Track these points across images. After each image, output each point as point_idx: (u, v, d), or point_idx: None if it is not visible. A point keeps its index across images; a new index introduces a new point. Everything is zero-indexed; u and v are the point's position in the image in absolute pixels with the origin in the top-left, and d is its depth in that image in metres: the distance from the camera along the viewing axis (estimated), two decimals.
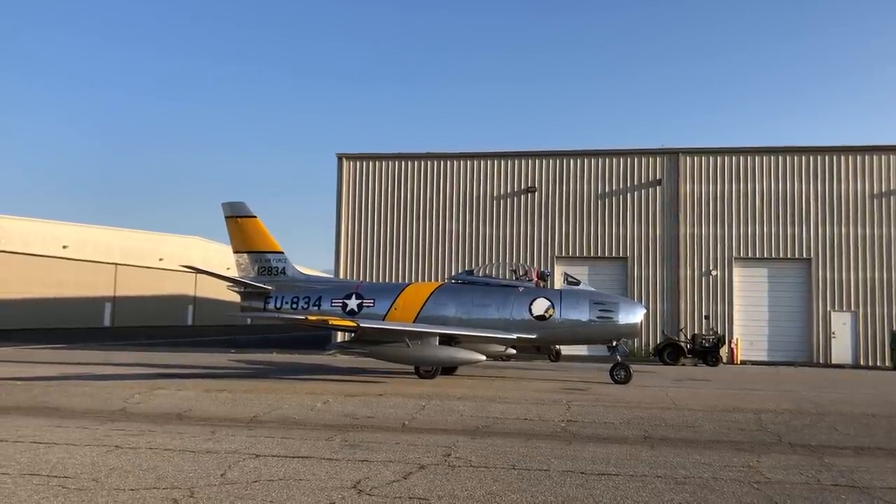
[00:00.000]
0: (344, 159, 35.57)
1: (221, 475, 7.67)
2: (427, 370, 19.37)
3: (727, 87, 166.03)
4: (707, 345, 28.97)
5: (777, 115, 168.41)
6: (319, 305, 21.35)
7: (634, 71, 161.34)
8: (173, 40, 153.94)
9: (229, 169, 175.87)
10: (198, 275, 65.91)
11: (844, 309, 31.95)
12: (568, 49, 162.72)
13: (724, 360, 30.06)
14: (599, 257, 33.64)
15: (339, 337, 29.53)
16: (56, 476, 7.52)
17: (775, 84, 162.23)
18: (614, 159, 34.06)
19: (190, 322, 71.56)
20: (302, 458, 8.69)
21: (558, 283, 20.22)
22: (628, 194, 33.67)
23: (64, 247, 56.10)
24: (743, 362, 30.99)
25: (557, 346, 27.09)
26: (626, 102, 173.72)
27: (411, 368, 20.03)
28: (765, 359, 31.90)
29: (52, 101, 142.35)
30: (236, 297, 24.07)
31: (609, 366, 19.88)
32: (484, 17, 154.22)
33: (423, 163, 35.24)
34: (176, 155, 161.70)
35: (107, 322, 61.07)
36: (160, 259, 65.69)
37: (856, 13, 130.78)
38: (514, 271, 21.36)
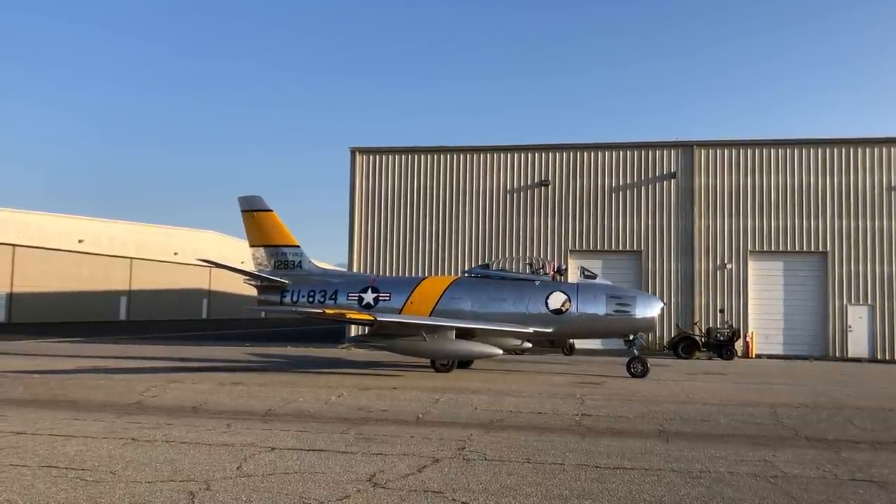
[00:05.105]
0: (357, 153, 35.61)
1: (237, 468, 7.70)
2: (443, 364, 19.42)
3: (735, 79, 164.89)
4: (722, 338, 28.86)
5: (789, 106, 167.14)
6: (336, 299, 21.38)
7: (646, 63, 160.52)
8: (180, 36, 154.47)
9: (241, 164, 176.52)
10: (212, 269, 66.43)
11: (861, 302, 31.70)
12: (579, 42, 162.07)
13: (739, 353, 29.95)
14: (613, 251, 33.52)
15: (354, 330, 29.59)
16: (74, 468, 7.58)
17: (788, 75, 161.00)
18: (628, 152, 33.91)
19: (204, 316, 71.99)
20: (317, 451, 8.72)
21: (574, 276, 20.09)
22: (643, 187, 33.52)
23: (80, 241, 56.55)
24: (758, 356, 30.84)
25: (571, 340, 27.07)
26: (638, 94, 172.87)
27: (427, 362, 20.09)
28: (780, 352, 31.71)
29: (64, 98, 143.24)
30: (250, 291, 24.15)
31: (623, 359, 19.82)
32: (493, 10, 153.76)
33: (436, 156, 35.21)
34: (186, 151, 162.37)
35: (122, 316, 61.56)
36: (175, 253, 66.08)
37: None
38: (531, 265, 21.29)
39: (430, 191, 34.96)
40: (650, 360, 20.09)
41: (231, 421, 10.93)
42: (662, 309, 20.46)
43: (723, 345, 28.65)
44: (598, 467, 8.04)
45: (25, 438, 9.23)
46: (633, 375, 18.91)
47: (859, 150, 32.40)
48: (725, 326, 29.86)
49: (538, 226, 33.99)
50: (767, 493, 7.04)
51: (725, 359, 28.07)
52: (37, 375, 16.74)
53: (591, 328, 19.67)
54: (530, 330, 19.17)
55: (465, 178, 34.82)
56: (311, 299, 21.75)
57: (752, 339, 31.31)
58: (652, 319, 19.27)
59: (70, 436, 9.44)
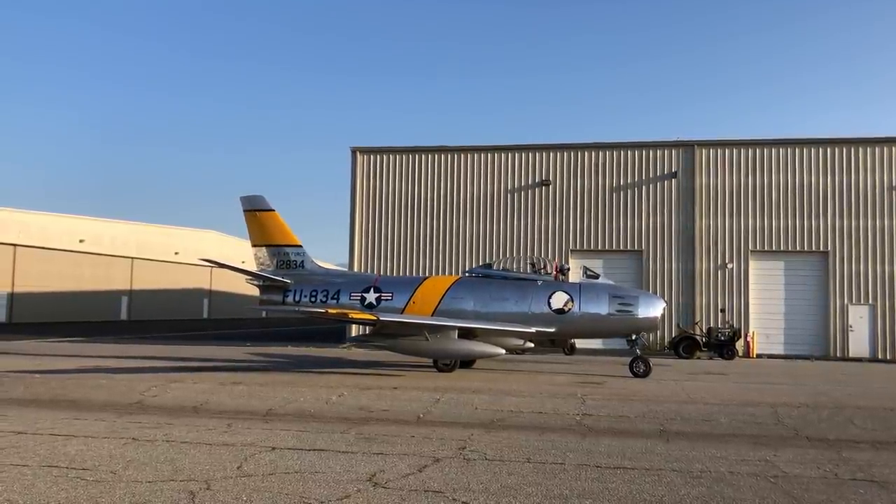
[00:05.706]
0: (358, 153, 35.58)
1: (238, 468, 7.71)
2: (446, 363, 19.40)
3: (735, 77, 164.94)
4: (723, 338, 28.82)
5: (789, 103, 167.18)
6: (338, 299, 21.34)
7: (646, 61, 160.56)
8: (180, 36, 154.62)
9: (241, 164, 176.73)
10: (213, 268, 66.43)
11: (862, 302, 31.67)
12: (579, 39, 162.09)
13: (740, 353, 29.90)
14: (614, 250, 33.49)
15: (356, 330, 29.59)
16: (74, 468, 7.59)
17: (788, 72, 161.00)
18: (629, 152, 33.87)
19: (205, 315, 71.99)
20: (318, 450, 8.73)
21: (576, 276, 20.07)
22: (643, 187, 33.48)
23: (81, 241, 56.53)
24: (759, 356, 30.81)
25: (572, 340, 27.02)
26: (638, 92, 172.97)
27: (429, 362, 20.08)
28: (781, 352, 31.67)
29: (64, 98, 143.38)
30: (252, 291, 24.11)
31: (625, 360, 19.78)
32: (493, 7, 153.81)
33: (437, 156, 35.18)
34: (187, 150, 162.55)
35: (123, 315, 61.56)
36: (175, 253, 66.07)
37: None
38: (533, 265, 21.24)
39: (431, 190, 34.93)
40: (651, 360, 20.08)
41: (232, 421, 10.94)
42: (664, 309, 20.43)
43: (724, 344, 28.61)
44: (598, 467, 8.04)
45: (26, 438, 9.23)
46: (636, 375, 18.89)
47: (860, 149, 32.35)
48: (726, 326, 29.82)
49: (539, 226, 33.95)
50: (768, 493, 7.04)
51: (726, 358, 28.04)
52: (38, 375, 16.75)
53: (594, 328, 19.63)
54: (533, 330, 19.12)
55: (465, 177, 34.78)
56: (313, 299, 21.73)
57: (752, 338, 31.28)
58: (654, 319, 19.23)
59: (71, 435, 9.44)
